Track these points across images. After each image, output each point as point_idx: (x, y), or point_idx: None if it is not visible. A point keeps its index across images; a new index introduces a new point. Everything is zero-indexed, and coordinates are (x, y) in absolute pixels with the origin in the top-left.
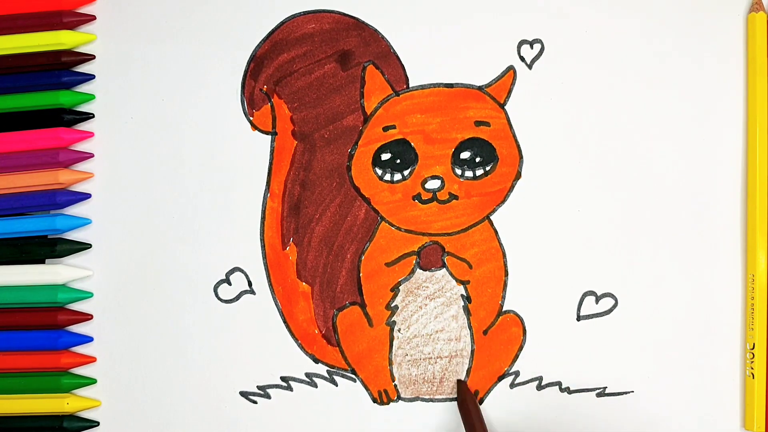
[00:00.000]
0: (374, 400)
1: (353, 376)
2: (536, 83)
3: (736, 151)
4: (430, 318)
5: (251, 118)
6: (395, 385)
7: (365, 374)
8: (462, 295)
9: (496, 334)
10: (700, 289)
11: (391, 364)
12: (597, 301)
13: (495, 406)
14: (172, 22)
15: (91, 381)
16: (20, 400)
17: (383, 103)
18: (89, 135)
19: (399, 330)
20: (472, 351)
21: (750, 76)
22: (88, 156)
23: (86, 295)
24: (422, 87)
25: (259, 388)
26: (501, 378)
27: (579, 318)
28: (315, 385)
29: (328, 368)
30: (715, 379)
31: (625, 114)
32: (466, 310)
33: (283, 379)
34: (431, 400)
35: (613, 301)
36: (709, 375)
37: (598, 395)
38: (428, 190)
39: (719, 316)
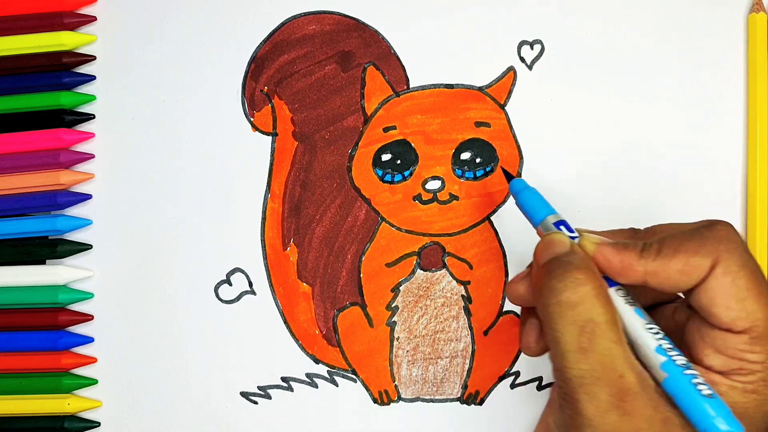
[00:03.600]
0: (375, 401)
1: (354, 376)
2: (536, 84)
3: (736, 151)
4: (430, 318)
5: (252, 119)
6: (396, 386)
7: (366, 375)
8: (462, 296)
9: (497, 335)
10: None
11: (391, 364)
12: None
13: (495, 406)
14: (173, 23)
15: (92, 381)
16: (21, 400)
17: (383, 104)
18: (90, 136)
19: (398, 339)
20: (473, 351)
21: (750, 76)
22: (88, 157)
23: (87, 295)
24: (422, 88)
25: (259, 388)
26: (501, 378)
27: None
28: (315, 386)
29: (329, 369)
30: None
31: (625, 114)
32: (467, 311)
33: (283, 379)
34: (432, 401)
35: None
36: None
37: None
38: (429, 191)
39: None
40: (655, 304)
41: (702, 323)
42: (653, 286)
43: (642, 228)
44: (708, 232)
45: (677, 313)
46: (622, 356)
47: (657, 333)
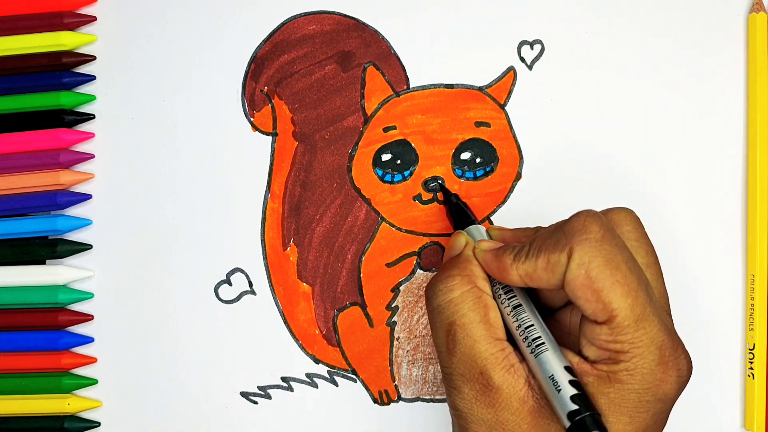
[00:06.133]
0: (375, 401)
1: (354, 376)
2: (536, 84)
3: (736, 151)
4: None
5: (252, 119)
6: (396, 386)
7: (366, 374)
8: None
9: None
10: (700, 289)
11: (391, 364)
12: None
13: None
14: (173, 23)
15: (92, 381)
16: (21, 400)
17: (383, 104)
18: (90, 136)
19: (398, 339)
20: None
21: (750, 76)
22: (88, 157)
23: (87, 295)
24: (422, 88)
25: (259, 388)
26: None
27: None
28: (315, 386)
29: (329, 369)
30: (715, 379)
31: (625, 114)
32: None
33: (283, 379)
34: (432, 401)
35: None
36: (709, 375)
37: None
38: (429, 191)
39: (719, 316)
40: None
41: (582, 315)
42: (535, 287)
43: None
44: (564, 226)
45: (574, 309)
46: (483, 354)
47: (528, 327)
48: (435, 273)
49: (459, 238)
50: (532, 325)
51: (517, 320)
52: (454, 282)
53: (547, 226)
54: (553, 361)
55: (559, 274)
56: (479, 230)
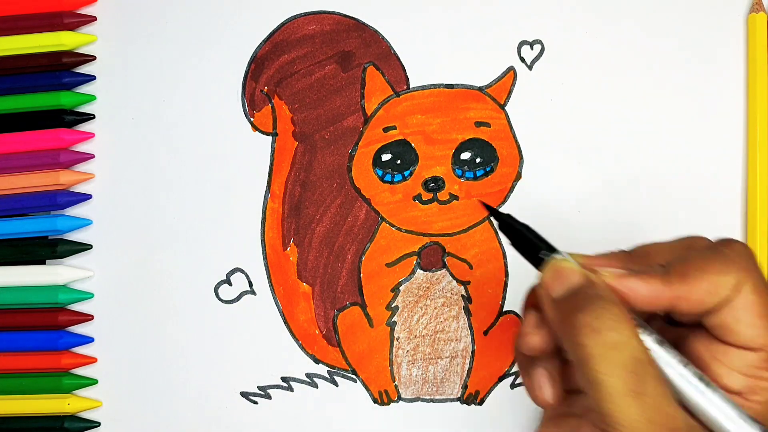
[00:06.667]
0: (375, 401)
1: (354, 376)
2: (536, 84)
3: (736, 151)
4: (430, 318)
5: (252, 119)
6: (396, 386)
7: (366, 375)
8: (462, 296)
9: (497, 335)
10: None
11: (391, 364)
12: None
13: (495, 406)
14: (173, 23)
15: (92, 381)
16: (21, 400)
17: (384, 104)
18: (90, 136)
19: (398, 339)
20: (473, 351)
21: (750, 76)
22: (88, 157)
23: (87, 295)
24: (422, 88)
25: (259, 388)
26: (501, 378)
27: None
28: (315, 386)
29: (329, 369)
30: None
31: (625, 114)
32: (467, 311)
33: (283, 379)
34: (432, 401)
35: None
36: None
37: None
38: (429, 191)
39: None
40: None
41: (712, 342)
42: (678, 311)
43: (630, 249)
44: (729, 251)
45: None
46: (669, 394)
47: (688, 363)
48: (573, 303)
49: (568, 263)
50: (685, 359)
51: (675, 357)
52: (620, 310)
53: (633, 246)
54: (724, 398)
55: (719, 298)
56: (569, 260)
